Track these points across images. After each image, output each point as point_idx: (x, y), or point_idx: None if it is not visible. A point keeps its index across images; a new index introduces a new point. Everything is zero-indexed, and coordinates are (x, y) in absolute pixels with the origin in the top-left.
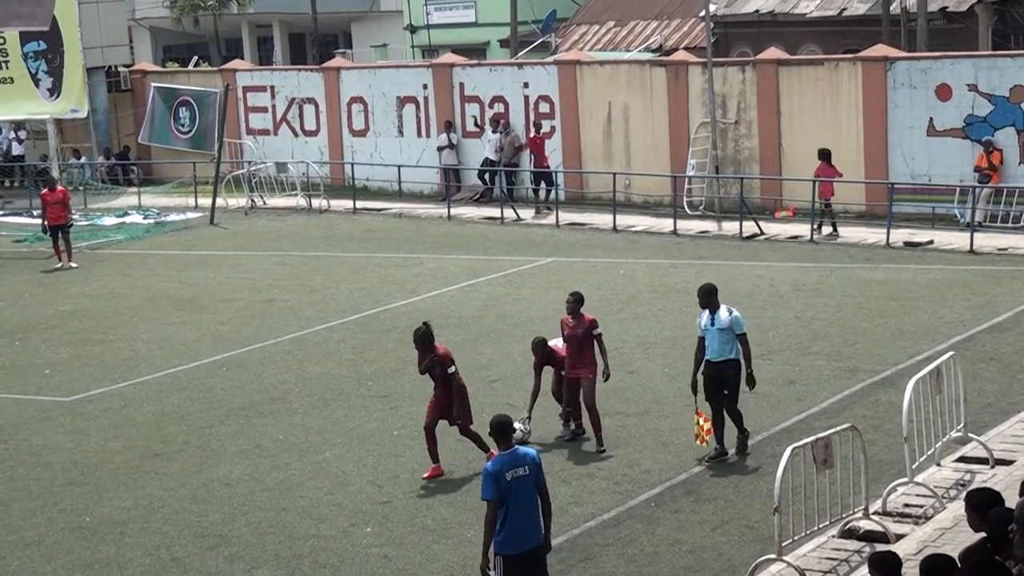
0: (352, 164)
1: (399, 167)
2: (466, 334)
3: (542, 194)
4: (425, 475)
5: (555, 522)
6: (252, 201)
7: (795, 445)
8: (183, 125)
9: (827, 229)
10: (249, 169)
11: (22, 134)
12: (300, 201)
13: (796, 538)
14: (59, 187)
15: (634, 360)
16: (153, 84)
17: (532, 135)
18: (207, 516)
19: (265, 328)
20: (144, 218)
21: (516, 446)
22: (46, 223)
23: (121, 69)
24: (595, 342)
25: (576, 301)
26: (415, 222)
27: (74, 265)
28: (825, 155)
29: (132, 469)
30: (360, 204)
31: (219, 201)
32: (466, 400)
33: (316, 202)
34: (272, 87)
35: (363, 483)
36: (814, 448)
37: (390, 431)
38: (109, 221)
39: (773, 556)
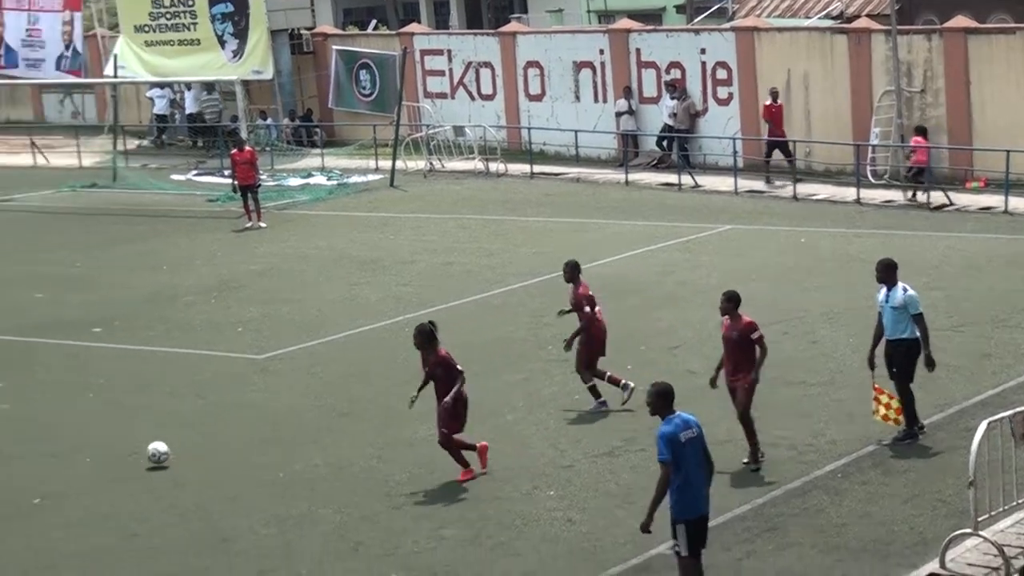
0: (529, 128)
1: (576, 132)
2: (644, 300)
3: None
4: (459, 478)
5: (738, 491)
6: (430, 164)
7: (991, 418)
8: (364, 88)
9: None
10: (427, 132)
11: (206, 95)
12: (477, 165)
13: (993, 513)
14: (247, 147)
15: (817, 329)
16: (334, 47)
17: (768, 103)
18: (393, 475)
19: (445, 290)
20: (327, 179)
21: (678, 411)
22: (235, 183)
23: (303, 32)
24: (755, 346)
25: (728, 300)
26: (592, 187)
27: (263, 225)
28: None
29: (321, 427)
30: (537, 168)
31: (398, 164)
32: (463, 410)
33: (493, 166)
34: (449, 51)
35: (545, 446)
36: (1012, 421)
37: (571, 395)
38: (294, 182)
39: (968, 531)
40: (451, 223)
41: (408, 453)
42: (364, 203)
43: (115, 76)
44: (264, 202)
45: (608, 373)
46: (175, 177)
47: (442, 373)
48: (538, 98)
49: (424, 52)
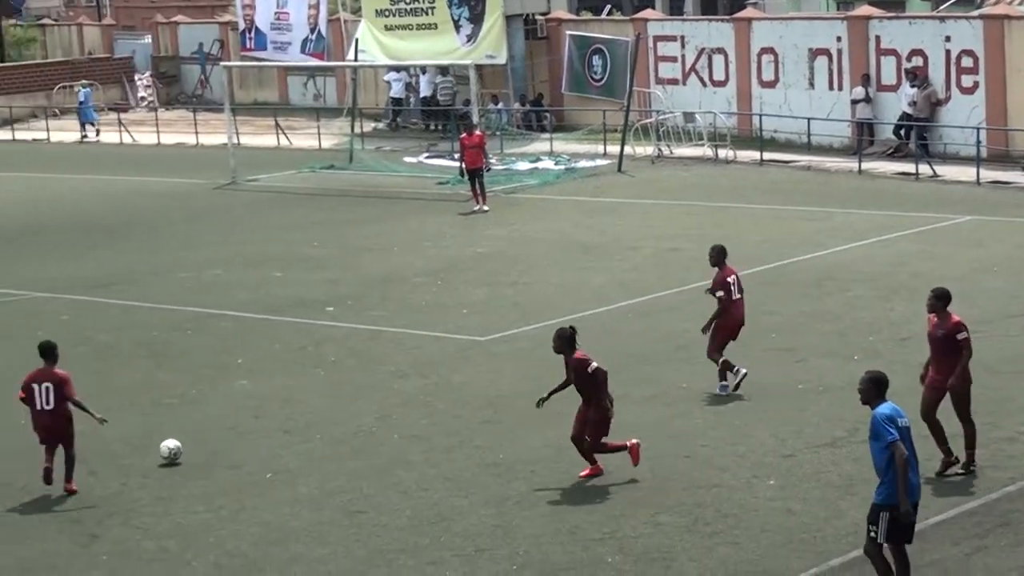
0: (760, 115)
1: (809, 119)
2: (875, 290)
3: None
4: (583, 473)
5: (972, 485)
6: (659, 150)
7: None
8: (595, 73)
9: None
10: (657, 118)
11: (440, 79)
12: (706, 151)
13: None
14: (477, 132)
15: None
16: (568, 32)
17: None
18: (611, 459)
19: (670, 276)
20: (555, 164)
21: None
22: (463, 166)
23: (538, 17)
24: (959, 348)
25: (938, 299)
26: (824, 175)
27: (486, 209)
28: None
29: (542, 410)
30: (767, 156)
31: (627, 149)
32: (606, 416)
33: (722, 152)
34: (682, 37)
35: (765, 435)
36: None
37: (794, 385)
38: (522, 166)
39: None
40: (678, 209)
41: (627, 437)
42: (591, 188)
43: (355, 60)
44: (492, 186)
45: (723, 359)
46: (408, 160)
47: (576, 377)
48: (771, 85)
49: (657, 38)
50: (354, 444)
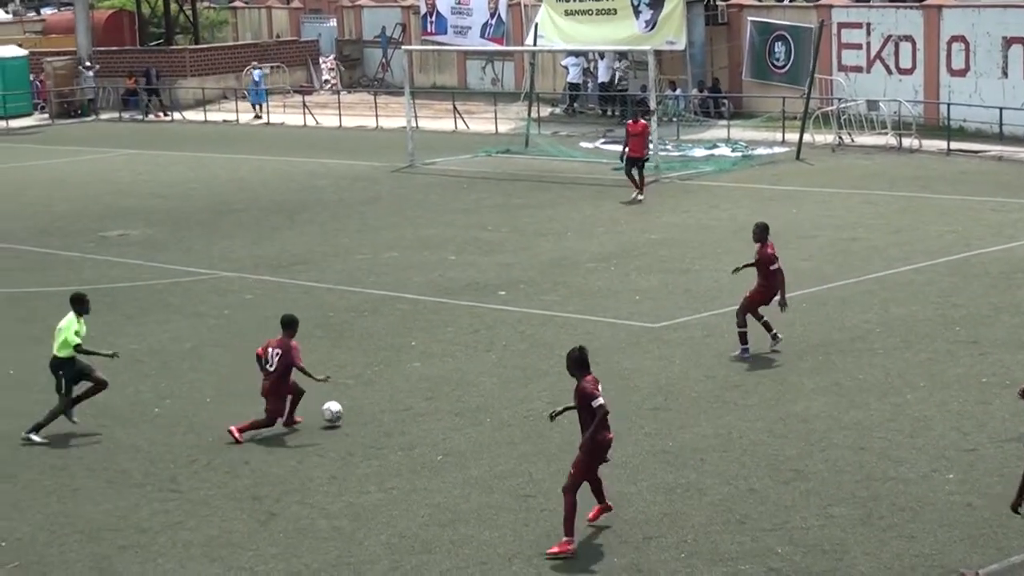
0: (948, 104)
1: (1001, 109)
2: None
3: None
4: (589, 516)
5: None
6: (840, 138)
7: None
8: (778, 60)
9: None
10: (839, 106)
11: (618, 64)
12: (890, 140)
13: None
14: (642, 120)
15: None
16: (749, 18)
17: None
18: (783, 450)
19: (847, 266)
20: (732, 151)
21: None
22: (626, 152)
23: (719, 3)
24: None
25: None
26: (1017, 166)
27: (641, 198)
28: None
29: (712, 398)
30: (955, 145)
31: (806, 137)
32: (598, 454)
33: (907, 141)
34: (868, 24)
35: (946, 428)
36: None
37: (978, 377)
38: (699, 153)
39: None
40: (857, 198)
41: (801, 428)
42: (768, 175)
43: (534, 44)
44: (667, 172)
45: (764, 318)
46: (584, 145)
47: (578, 404)
48: (961, 73)
49: (841, 25)
50: (524, 428)
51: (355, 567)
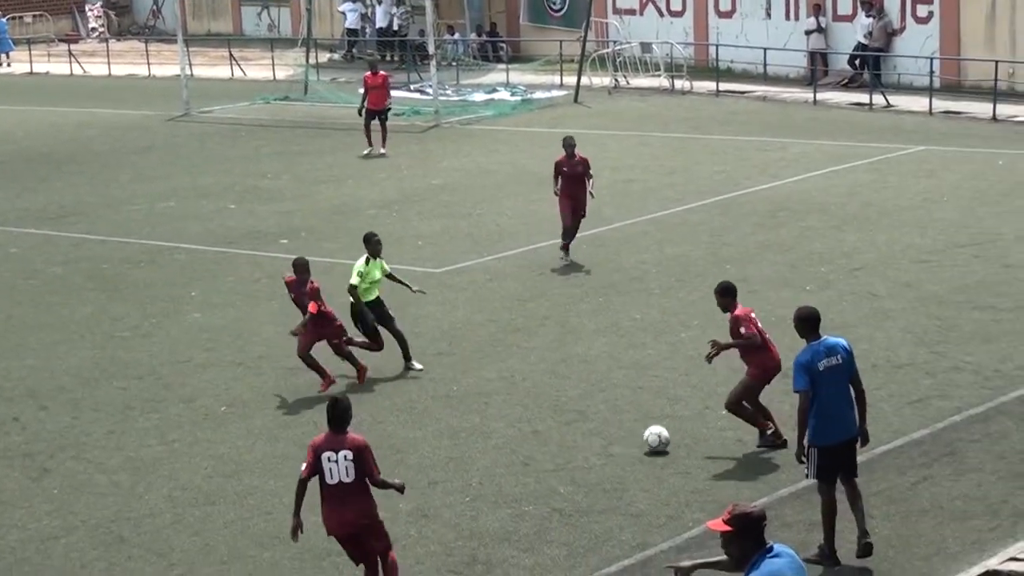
0: (717, 46)
1: (765, 50)
2: (828, 220)
3: None
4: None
5: (918, 415)
6: (615, 81)
7: None
8: (554, 3)
9: None
10: (614, 48)
11: (396, 9)
12: (663, 82)
13: None
14: (381, 72)
15: (1011, 254)
16: None
17: None
18: (565, 391)
19: (624, 207)
20: (511, 95)
21: (825, 336)
22: (363, 106)
23: None
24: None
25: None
26: (779, 106)
27: (384, 151)
28: None
29: (495, 342)
30: (723, 87)
31: (583, 80)
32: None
33: (679, 83)
34: None
35: (719, 365)
36: None
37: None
38: (479, 97)
39: None
40: (633, 140)
41: (582, 369)
42: (547, 119)
43: None
44: (448, 117)
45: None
46: (362, 91)
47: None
48: (728, 15)
49: None
50: (307, 377)
51: (136, 521)
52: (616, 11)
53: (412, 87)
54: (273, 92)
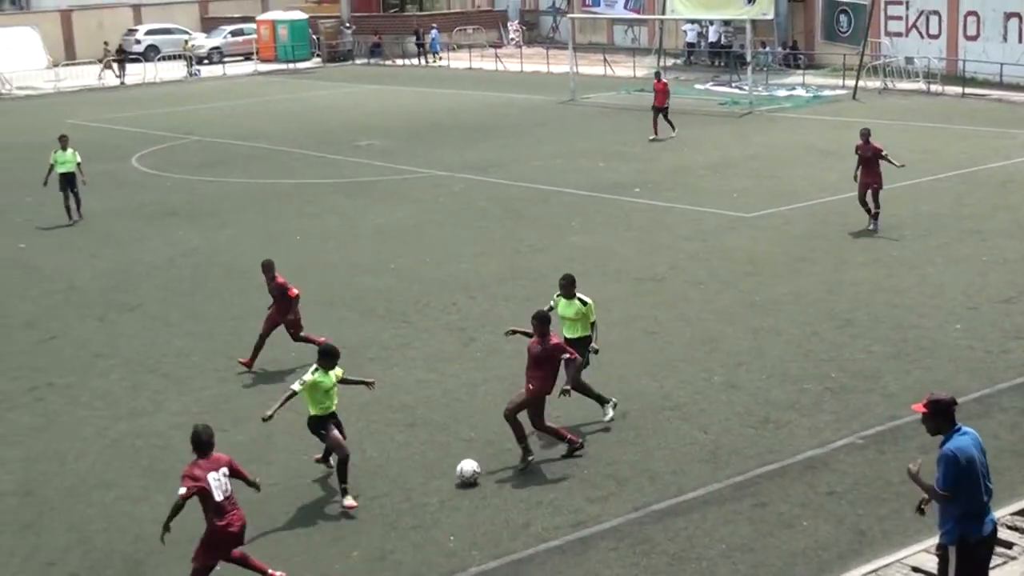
0: (964, 60)
1: (1001, 64)
2: None
3: None
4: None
5: None
6: (884, 84)
7: None
8: (841, 27)
9: None
10: (884, 60)
11: (723, 28)
12: (921, 86)
13: None
14: (664, 79)
15: None
16: None
17: None
18: (838, 305)
19: (887, 177)
20: (806, 92)
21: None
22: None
23: None
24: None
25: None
26: (1011, 106)
27: (673, 135)
28: None
29: (787, 267)
30: (968, 91)
31: (860, 83)
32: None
33: (933, 87)
34: (907, 2)
35: (956, 292)
36: None
37: (979, 257)
38: (781, 93)
39: None
40: (896, 128)
41: (850, 290)
42: (831, 110)
43: (663, 14)
44: (759, 107)
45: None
46: (698, 87)
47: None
48: (973, 39)
49: (887, 2)
50: (651, 285)
51: None
52: (887, 33)
53: (732, 84)
54: (633, 85)
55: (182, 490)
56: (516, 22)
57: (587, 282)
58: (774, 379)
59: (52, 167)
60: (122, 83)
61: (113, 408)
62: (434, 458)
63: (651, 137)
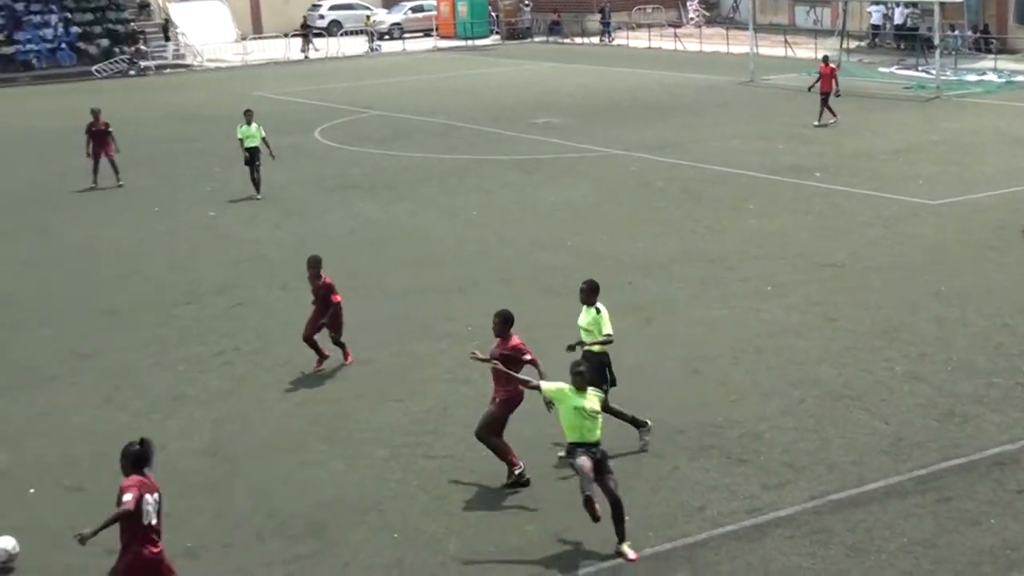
0: None
1: None
2: None
3: None
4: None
5: None
6: None
7: None
8: None
9: None
10: None
11: (906, 10)
12: None
13: None
14: (832, 64)
15: None
16: None
17: None
18: None
19: None
20: (998, 77)
21: None
22: (819, 88)
23: None
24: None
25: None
26: None
27: (832, 121)
28: None
29: (973, 256)
30: None
31: None
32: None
33: None
34: None
35: None
36: None
37: None
38: (971, 78)
39: None
40: None
41: None
42: None
43: None
44: (947, 92)
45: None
46: (882, 70)
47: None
48: None
49: None
50: (831, 271)
51: (708, 359)
52: None
53: (919, 68)
54: (815, 68)
55: (128, 497)
56: (696, 2)
57: (765, 266)
58: (960, 371)
59: (242, 141)
60: (307, 57)
61: (295, 375)
62: (614, 438)
63: (815, 123)
